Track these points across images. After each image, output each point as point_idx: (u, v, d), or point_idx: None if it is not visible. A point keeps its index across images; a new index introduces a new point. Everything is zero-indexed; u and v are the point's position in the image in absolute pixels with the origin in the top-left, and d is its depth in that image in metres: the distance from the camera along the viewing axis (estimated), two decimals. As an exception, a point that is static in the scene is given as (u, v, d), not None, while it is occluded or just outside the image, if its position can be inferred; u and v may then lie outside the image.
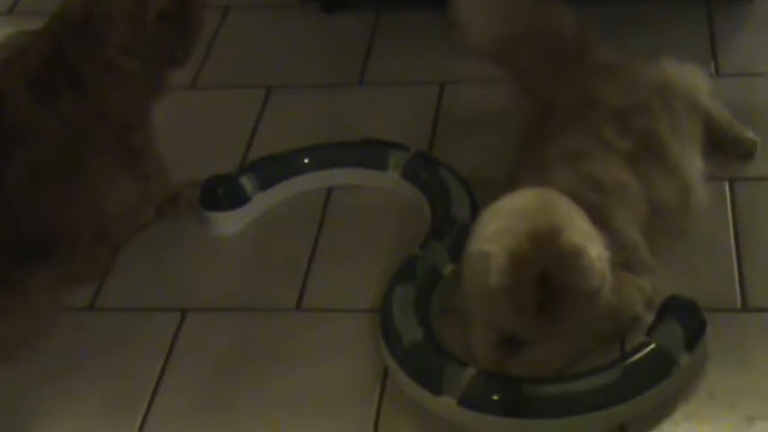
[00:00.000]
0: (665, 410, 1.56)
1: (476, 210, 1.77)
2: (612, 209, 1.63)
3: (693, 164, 1.78)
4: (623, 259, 1.60)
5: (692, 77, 1.87)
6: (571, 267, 1.48)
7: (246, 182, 1.94)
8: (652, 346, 1.58)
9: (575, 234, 1.50)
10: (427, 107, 2.11)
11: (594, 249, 1.50)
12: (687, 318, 1.60)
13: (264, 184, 1.95)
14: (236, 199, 1.93)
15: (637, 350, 1.58)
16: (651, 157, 1.72)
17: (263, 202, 1.96)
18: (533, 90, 1.87)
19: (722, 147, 1.88)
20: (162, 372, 1.71)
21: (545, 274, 1.47)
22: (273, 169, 1.97)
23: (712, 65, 2.10)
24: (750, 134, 1.90)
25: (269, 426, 1.62)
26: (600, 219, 1.57)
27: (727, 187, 1.87)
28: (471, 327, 1.62)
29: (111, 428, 1.65)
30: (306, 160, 1.98)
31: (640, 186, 1.68)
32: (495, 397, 1.55)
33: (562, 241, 1.48)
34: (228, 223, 1.93)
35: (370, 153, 1.98)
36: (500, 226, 1.51)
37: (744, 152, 1.89)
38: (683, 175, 1.74)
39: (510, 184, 1.65)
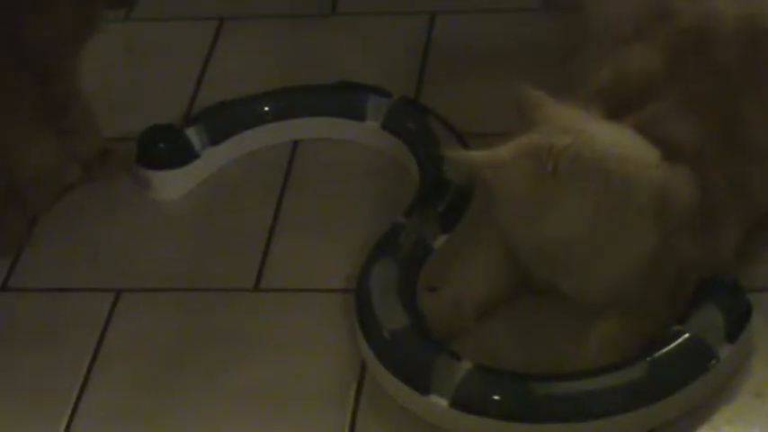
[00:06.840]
0: (702, 413, 1.57)
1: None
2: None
3: None
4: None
5: None
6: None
7: (194, 134, 1.95)
8: (686, 336, 1.58)
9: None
10: (414, 43, 2.11)
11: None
12: (728, 302, 1.61)
13: (216, 138, 1.96)
14: (182, 155, 1.94)
15: (667, 341, 1.58)
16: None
17: (214, 159, 1.96)
18: None
19: None
20: (91, 365, 1.71)
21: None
22: (226, 119, 1.98)
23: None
24: None
25: (218, 430, 1.62)
26: None
27: None
28: None
29: (29, 434, 1.64)
30: (266, 108, 1.99)
31: None
32: (497, 396, 1.56)
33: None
34: (172, 185, 1.94)
35: (344, 99, 1.98)
36: None
37: None
38: None
39: None
